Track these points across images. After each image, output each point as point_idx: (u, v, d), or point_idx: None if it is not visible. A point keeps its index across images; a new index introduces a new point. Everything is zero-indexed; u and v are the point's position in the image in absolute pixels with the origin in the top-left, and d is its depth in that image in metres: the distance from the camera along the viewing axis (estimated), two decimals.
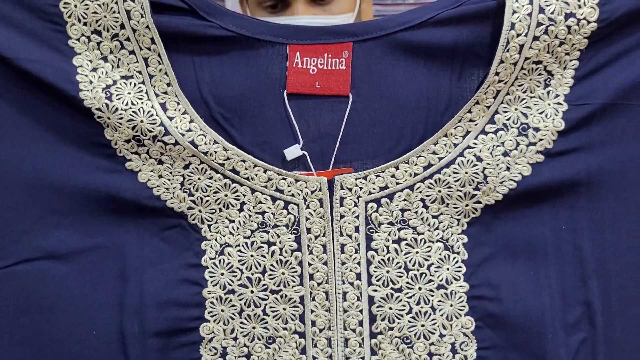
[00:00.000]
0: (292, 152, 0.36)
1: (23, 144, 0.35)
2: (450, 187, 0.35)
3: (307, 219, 0.36)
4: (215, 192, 0.36)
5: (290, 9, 0.57)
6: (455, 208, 0.36)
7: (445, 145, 0.35)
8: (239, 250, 0.36)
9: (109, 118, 0.35)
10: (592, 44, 0.35)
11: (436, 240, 0.36)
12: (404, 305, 0.36)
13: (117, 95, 0.35)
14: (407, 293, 0.36)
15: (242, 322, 0.36)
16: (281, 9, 0.58)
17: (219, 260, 0.36)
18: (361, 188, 0.36)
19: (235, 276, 0.36)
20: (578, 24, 0.34)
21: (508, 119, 0.35)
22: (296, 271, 0.36)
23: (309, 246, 0.36)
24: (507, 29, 0.34)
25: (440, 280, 0.36)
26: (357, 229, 0.36)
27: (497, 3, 0.35)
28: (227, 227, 0.36)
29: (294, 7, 0.57)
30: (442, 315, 0.35)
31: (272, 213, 0.36)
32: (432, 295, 0.36)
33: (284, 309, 0.36)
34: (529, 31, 0.34)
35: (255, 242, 0.36)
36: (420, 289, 0.36)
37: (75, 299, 0.36)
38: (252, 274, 0.36)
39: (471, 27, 0.35)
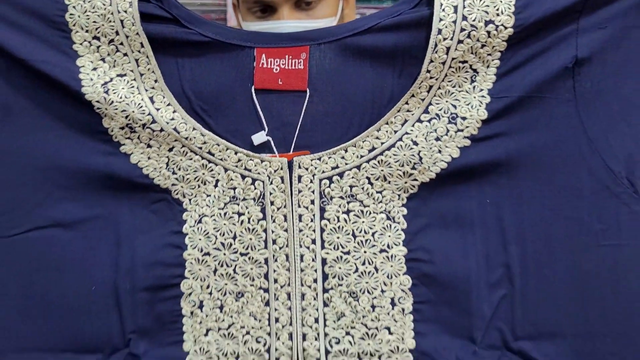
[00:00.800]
0: (259, 137, 0.43)
1: (35, 132, 0.43)
2: (391, 167, 0.43)
3: (270, 193, 0.43)
4: (194, 171, 0.43)
5: (277, 14, 0.63)
6: (396, 185, 0.43)
7: (386, 131, 0.43)
8: (214, 220, 0.43)
9: (106, 109, 0.42)
10: (510, 46, 0.42)
11: (380, 212, 0.43)
12: (351, 266, 0.43)
13: (113, 90, 0.42)
14: (354, 255, 0.43)
15: (216, 279, 0.43)
16: (269, 14, 0.64)
17: (197, 228, 0.43)
18: (316, 167, 0.43)
19: (210, 241, 0.43)
20: (497, 30, 0.41)
21: (440, 110, 0.42)
22: (261, 237, 0.43)
23: (272, 216, 0.43)
24: (435, 34, 0.41)
25: (383, 245, 0.43)
26: (312, 202, 0.43)
27: (430, 12, 0.42)
28: (205, 200, 0.43)
29: (280, 12, 0.63)
30: (383, 274, 0.43)
31: (242, 188, 0.43)
32: (375, 258, 0.43)
33: (251, 269, 0.43)
34: (454, 35, 0.41)
35: (227, 213, 0.43)
36: (365, 252, 0.43)
37: (77, 261, 0.43)
38: (225, 239, 0.43)
39: (408, 32, 0.42)
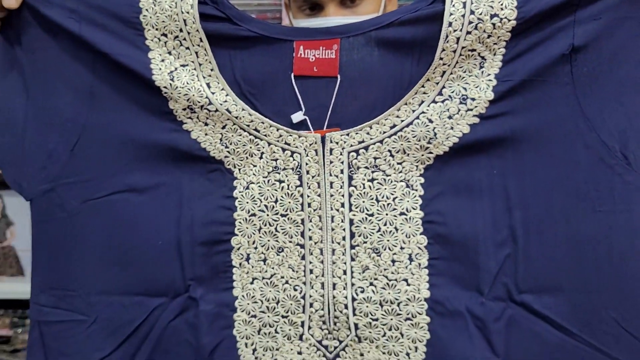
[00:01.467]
0: (297, 117, 0.52)
1: (115, 113, 0.53)
2: (409, 142, 0.50)
3: (306, 164, 0.51)
4: (243, 145, 0.52)
5: (324, 12, 0.69)
6: (414, 157, 0.50)
7: (406, 111, 0.50)
8: (259, 186, 0.52)
9: (171, 93, 0.52)
10: (514, 36, 0.49)
11: (400, 180, 0.51)
12: (374, 226, 0.50)
13: (177, 77, 0.51)
14: (377, 217, 0.50)
15: (260, 237, 0.52)
16: (317, 12, 0.70)
17: (245, 193, 0.52)
18: (345, 142, 0.51)
19: (256, 204, 0.52)
20: (501, 22, 0.48)
21: (452, 92, 0.50)
22: (298, 201, 0.51)
23: (307, 183, 0.51)
24: (446, 26, 0.48)
25: (402, 209, 0.50)
26: (342, 171, 0.51)
27: (442, 8, 0.49)
28: (251, 170, 0.52)
29: (327, 10, 0.69)
30: (402, 234, 0.50)
31: (283, 160, 0.51)
32: (396, 220, 0.50)
33: (290, 228, 0.51)
34: (463, 27, 0.48)
35: (270, 180, 0.52)
36: (387, 214, 0.50)
37: (147, 219, 0.52)
38: (268, 203, 0.52)
39: (424, 26, 0.50)
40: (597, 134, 0.48)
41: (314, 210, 0.51)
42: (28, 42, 0.53)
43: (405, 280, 0.50)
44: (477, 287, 0.49)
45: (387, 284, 0.50)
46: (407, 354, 0.49)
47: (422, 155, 0.50)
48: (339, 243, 0.51)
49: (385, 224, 0.50)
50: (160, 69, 0.51)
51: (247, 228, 0.52)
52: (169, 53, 0.52)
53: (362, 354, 0.50)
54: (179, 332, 0.52)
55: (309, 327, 0.51)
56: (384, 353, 0.49)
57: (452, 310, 0.49)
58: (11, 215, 1.70)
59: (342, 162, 0.51)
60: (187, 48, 0.51)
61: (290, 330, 0.51)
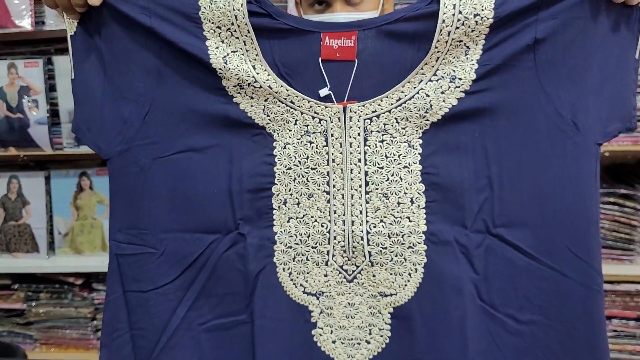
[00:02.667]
0: (324, 92, 0.67)
1: (178, 89, 0.68)
2: (411, 111, 0.66)
3: (331, 128, 0.67)
4: (281, 114, 0.67)
5: (331, 8, 0.82)
6: (414, 123, 0.66)
7: (408, 87, 0.66)
8: (294, 146, 0.67)
9: (224, 74, 0.67)
10: (491, 31, 0.65)
11: (403, 141, 0.67)
12: (384, 176, 0.67)
13: (229, 61, 0.67)
14: (386, 169, 0.67)
15: (295, 185, 0.67)
16: (325, 7, 0.83)
17: (283, 152, 0.68)
18: (362, 111, 0.67)
19: (292, 160, 0.67)
20: (482, 20, 0.64)
21: (444, 73, 0.66)
22: (325, 157, 0.67)
23: (332, 143, 0.67)
24: (440, 23, 0.64)
25: (405, 163, 0.67)
26: (359, 134, 0.67)
27: (438, 8, 0.65)
28: (287, 133, 0.68)
29: (334, 7, 0.82)
30: (405, 182, 0.66)
31: (312, 125, 0.67)
32: (400, 171, 0.66)
33: (318, 178, 0.67)
34: (453, 24, 0.64)
35: (302, 141, 0.67)
36: (393, 167, 0.67)
37: (205, 172, 0.68)
38: (301, 159, 0.67)
39: (423, 22, 0.66)
40: (554, 107, 0.65)
41: (337, 164, 0.67)
42: (106, 32, 0.68)
43: (408, 217, 0.66)
44: (463, 222, 0.66)
45: (394, 220, 0.66)
46: (409, 274, 0.65)
47: (421, 122, 0.66)
48: (356, 190, 0.67)
49: (392, 175, 0.66)
50: (215, 54, 0.67)
51: (284, 179, 0.67)
52: (222, 42, 0.67)
53: (374, 275, 0.66)
54: (230, 261, 0.67)
55: (333, 255, 0.67)
56: (391, 274, 0.65)
57: (443, 240, 0.65)
58: (27, 195, 1.83)
59: (359, 127, 0.67)
60: (237, 38, 0.67)
61: (318, 257, 0.67)
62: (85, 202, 1.82)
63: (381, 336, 0.64)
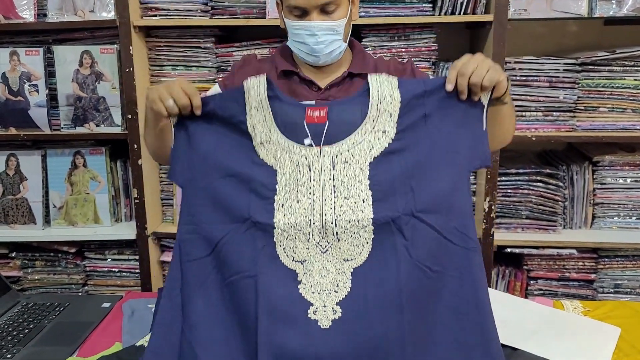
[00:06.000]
0: (307, 141, 1.10)
1: (218, 146, 1.11)
2: (360, 150, 1.09)
3: (312, 161, 1.11)
4: (283, 157, 1.11)
5: (309, 17, 1.23)
6: (363, 157, 1.10)
7: (357, 137, 1.10)
8: (289, 174, 1.11)
9: (254, 137, 1.11)
10: (402, 106, 1.09)
11: (357, 167, 1.10)
12: (345, 187, 1.11)
13: (256, 128, 1.11)
14: (347, 183, 1.10)
15: (288, 196, 1.11)
16: (303, 15, 1.22)
17: (282, 178, 1.10)
18: (331, 151, 1.10)
19: (287, 182, 1.10)
20: (394, 99, 1.09)
21: (378, 129, 1.10)
22: (308, 178, 1.10)
23: (312, 170, 1.10)
24: (372, 99, 1.09)
25: (359, 179, 1.12)
26: (329, 164, 1.09)
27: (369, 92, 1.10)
28: (286, 167, 1.11)
29: (311, 15, 1.22)
30: (359, 190, 1.11)
31: (301, 161, 1.10)
32: (355, 183, 1.10)
33: (304, 190, 1.11)
34: (380, 100, 1.09)
35: (294, 171, 1.10)
36: (351, 182, 1.11)
37: (234, 188, 1.09)
38: (294, 179, 1.11)
39: (364, 98, 1.09)
40: (441, 147, 1.11)
41: (316, 182, 1.12)
42: (193, 124, 1.13)
43: (361, 210, 1.11)
44: (396, 210, 1.12)
45: (352, 212, 1.11)
46: (363, 246, 1.11)
47: (367, 156, 1.11)
48: (328, 195, 1.13)
49: (350, 186, 1.12)
50: (248, 124, 1.11)
51: (282, 193, 1.13)
52: (252, 116, 1.11)
53: (340, 248, 1.12)
54: (245, 239, 1.13)
55: (312, 235, 1.13)
56: (351, 246, 1.11)
57: (384, 222, 1.09)
58: (24, 172, 2.23)
59: (330, 160, 1.11)
60: (261, 113, 1.11)
61: (302, 237, 1.13)
62: (79, 178, 2.23)
63: (345, 287, 1.10)
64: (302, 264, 1.07)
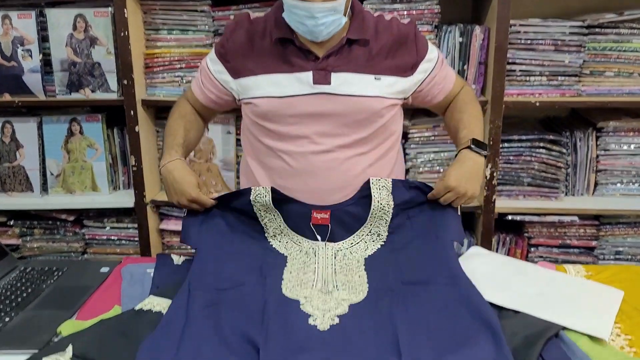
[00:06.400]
0: (315, 240, 1.29)
1: (246, 235, 1.28)
2: (357, 249, 1.28)
3: (319, 251, 1.27)
4: (293, 247, 1.27)
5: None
6: (361, 254, 1.26)
7: (356, 238, 1.28)
8: (298, 260, 1.24)
9: (267, 230, 1.29)
10: (394, 210, 1.28)
11: (355, 260, 1.25)
12: (346, 271, 1.22)
13: (268, 224, 1.27)
14: (345, 268, 1.23)
15: (297, 274, 1.20)
16: None
17: (291, 262, 1.23)
18: (334, 247, 1.27)
19: (297, 265, 1.23)
20: (389, 205, 1.28)
21: (374, 232, 1.28)
22: (314, 262, 1.24)
23: (318, 257, 1.25)
24: (373, 205, 1.27)
25: (355, 267, 1.23)
26: (332, 255, 1.25)
27: (371, 199, 1.27)
28: (296, 255, 1.25)
29: None
30: (356, 274, 1.21)
31: (309, 252, 1.26)
32: (353, 269, 1.23)
33: (311, 272, 1.21)
34: (378, 205, 1.25)
35: (303, 257, 1.24)
36: (350, 267, 1.23)
37: (247, 271, 1.21)
38: (301, 264, 1.22)
39: (364, 204, 1.28)
40: (423, 236, 1.23)
41: (321, 265, 1.20)
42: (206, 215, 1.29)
43: (359, 285, 1.17)
44: (388, 282, 1.17)
45: (351, 287, 1.16)
46: (360, 294, 1.15)
47: (363, 253, 1.26)
48: (330, 275, 1.20)
49: (349, 270, 1.22)
50: (262, 222, 1.22)
51: (290, 271, 1.20)
52: (264, 216, 1.27)
53: (339, 295, 1.14)
54: (254, 290, 1.15)
55: (315, 283, 1.18)
56: (349, 295, 1.14)
57: (378, 288, 1.15)
58: (20, 139, 2.21)
59: (333, 252, 1.25)
60: (271, 213, 1.27)
61: (306, 285, 1.17)
62: (75, 145, 2.20)
63: (343, 309, 1.10)
64: (305, 297, 1.15)
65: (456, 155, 1.32)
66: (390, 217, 1.26)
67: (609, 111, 2.09)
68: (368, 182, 1.28)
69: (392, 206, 1.25)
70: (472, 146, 1.28)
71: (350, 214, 1.27)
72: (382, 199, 1.26)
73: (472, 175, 1.27)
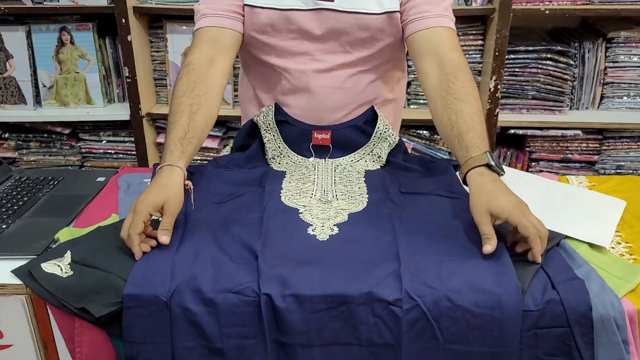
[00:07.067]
0: (312, 160, 1.24)
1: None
2: (358, 167, 1.23)
3: (318, 165, 1.22)
4: (291, 166, 1.23)
5: None
6: (360, 171, 1.20)
7: (357, 156, 1.23)
8: (297, 173, 1.20)
9: (267, 153, 1.25)
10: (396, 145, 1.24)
11: (354, 173, 1.19)
12: (344, 185, 1.14)
13: (267, 144, 1.26)
14: (346, 179, 1.17)
15: (295, 185, 1.14)
16: None
17: (290, 176, 1.19)
18: (334, 162, 1.20)
19: (294, 178, 1.17)
20: (392, 134, 1.21)
21: (374, 152, 1.24)
22: (314, 174, 1.19)
23: (317, 171, 1.20)
24: (376, 127, 1.26)
25: (355, 179, 1.17)
26: (333, 169, 1.19)
27: (377, 119, 1.24)
28: (296, 172, 1.20)
29: None
30: (356, 186, 1.15)
31: (307, 166, 1.20)
32: (352, 181, 1.17)
33: (309, 183, 1.15)
34: (382, 128, 1.26)
35: (303, 170, 1.18)
36: (349, 179, 1.17)
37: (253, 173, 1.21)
38: (299, 177, 1.16)
39: (367, 126, 1.26)
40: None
41: (321, 177, 1.18)
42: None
43: (359, 195, 1.11)
44: (387, 191, 1.14)
45: (350, 196, 1.11)
46: (359, 203, 1.10)
47: (363, 170, 1.21)
48: (329, 185, 1.14)
49: (349, 182, 1.16)
50: (265, 142, 1.26)
51: (289, 183, 1.16)
52: (264, 135, 1.25)
53: (338, 204, 1.10)
54: (257, 195, 1.13)
55: (314, 192, 1.13)
56: (348, 204, 1.09)
57: (377, 199, 1.10)
58: (9, 49, 2.12)
59: (333, 166, 1.21)
60: (271, 134, 1.25)
61: (306, 193, 1.13)
62: (67, 56, 2.12)
63: (343, 218, 1.08)
64: (304, 206, 1.10)
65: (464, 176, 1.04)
66: (393, 140, 1.26)
67: (620, 21, 2.00)
68: (372, 108, 1.27)
69: (396, 135, 1.27)
70: (491, 163, 1.03)
71: (351, 138, 1.26)
72: (387, 124, 1.27)
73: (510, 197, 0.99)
